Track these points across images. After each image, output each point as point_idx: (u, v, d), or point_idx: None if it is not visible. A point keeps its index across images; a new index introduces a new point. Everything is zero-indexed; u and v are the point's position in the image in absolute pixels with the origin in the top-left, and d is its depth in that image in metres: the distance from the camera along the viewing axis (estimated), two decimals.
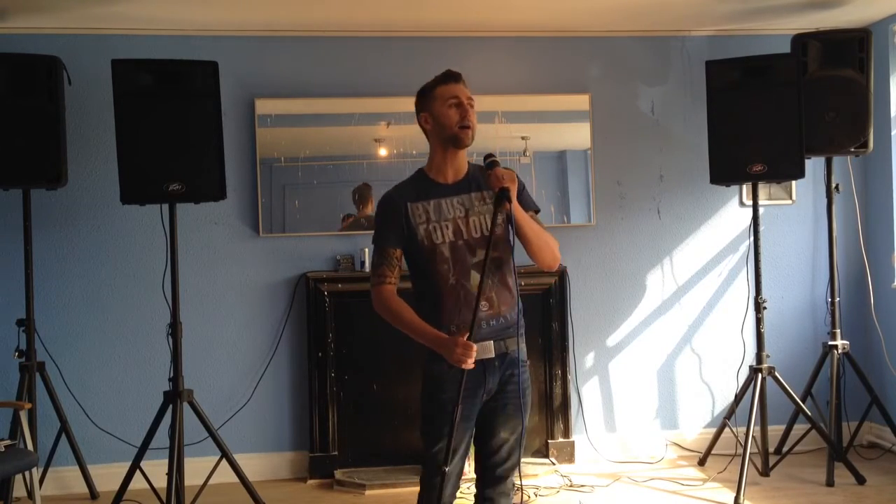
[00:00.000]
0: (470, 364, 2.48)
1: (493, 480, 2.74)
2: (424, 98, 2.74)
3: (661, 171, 5.09)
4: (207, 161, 4.02)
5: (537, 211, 2.78)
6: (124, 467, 4.06)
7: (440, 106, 2.68)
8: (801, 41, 4.50)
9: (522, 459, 4.94)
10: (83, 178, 4.62)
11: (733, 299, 5.08)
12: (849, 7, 4.62)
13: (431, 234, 2.64)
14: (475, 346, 2.48)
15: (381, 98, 4.79)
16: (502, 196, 2.53)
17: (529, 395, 2.75)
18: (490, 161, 2.65)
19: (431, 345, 2.58)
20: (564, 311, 4.88)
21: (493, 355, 2.64)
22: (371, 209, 4.81)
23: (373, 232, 2.75)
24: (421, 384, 2.71)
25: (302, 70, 4.82)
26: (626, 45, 5.07)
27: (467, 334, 2.49)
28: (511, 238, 2.60)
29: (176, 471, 3.93)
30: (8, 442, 3.61)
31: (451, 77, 2.73)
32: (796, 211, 5.17)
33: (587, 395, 5.01)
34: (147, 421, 4.11)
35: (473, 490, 2.82)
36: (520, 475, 2.79)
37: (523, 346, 2.73)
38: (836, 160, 4.69)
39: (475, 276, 2.61)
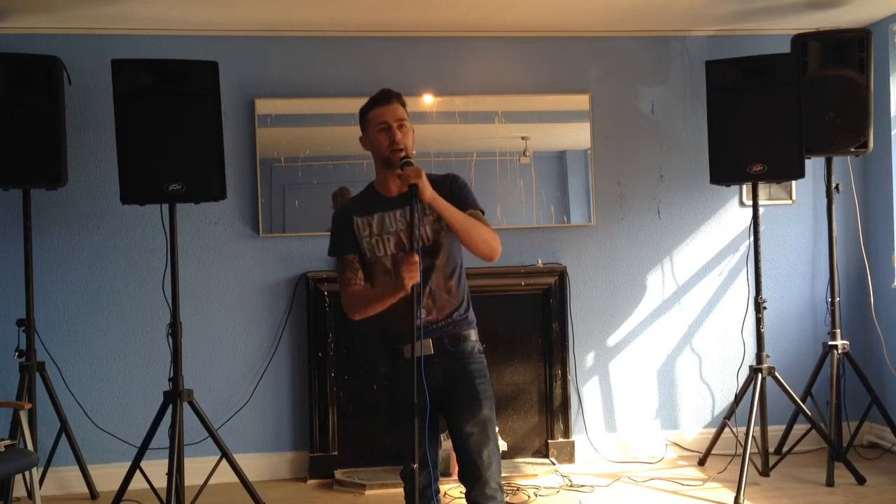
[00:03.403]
0: (416, 276, 2.55)
1: (473, 481, 2.74)
2: (361, 121, 2.85)
3: (661, 171, 5.09)
4: (207, 161, 4.01)
5: (483, 211, 2.81)
6: (124, 467, 4.06)
7: (372, 131, 2.78)
8: (801, 41, 4.50)
9: (522, 459, 4.97)
10: (83, 178, 4.62)
11: (733, 299, 5.08)
12: (849, 7, 4.62)
13: (374, 247, 2.78)
14: (415, 256, 2.56)
15: None
16: (412, 192, 2.59)
17: (484, 383, 2.78)
18: (403, 162, 2.69)
19: (394, 293, 2.65)
20: (564, 311, 4.88)
21: (432, 352, 2.73)
22: None
23: (328, 244, 2.87)
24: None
25: (302, 70, 4.82)
26: (626, 45, 5.07)
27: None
28: (446, 242, 2.74)
29: (176, 471, 3.93)
30: (8, 442, 3.61)
31: (382, 99, 2.80)
32: (796, 211, 5.17)
33: (587, 395, 5.01)
34: (147, 421, 4.11)
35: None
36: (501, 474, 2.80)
37: (471, 340, 2.81)
38: (836, 160, 4.69)
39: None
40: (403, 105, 2.80)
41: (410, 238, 2.62)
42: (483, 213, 2.82)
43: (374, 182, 2.88)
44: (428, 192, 2.61)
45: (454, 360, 2.77)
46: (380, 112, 2.76)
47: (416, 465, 2.59)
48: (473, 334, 2.83)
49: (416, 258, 2.57)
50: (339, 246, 2.84)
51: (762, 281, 4.50)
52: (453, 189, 2.78)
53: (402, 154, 2.71)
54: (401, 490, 2.84)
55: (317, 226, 4.81)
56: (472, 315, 2.85)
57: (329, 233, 2.90)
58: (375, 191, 2.86)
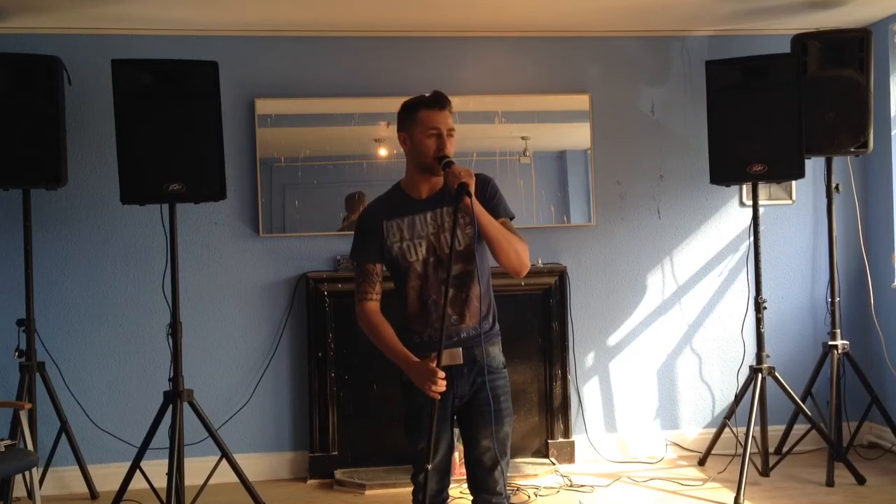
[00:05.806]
0: (436, 393, 2.51)
1: (483, 491, 2.73)
2: (406, 117, 2.71)
3: (661, 171, 5.09)
4: (207, 161, 4.02)
5: (511, 217, 2.75)
6: (124, 467, 4.06)
7: (419, 133, 2.65)
8: (801, 41, 4.50)
9: (522, 459, 4.98)
10: (83, 178, 4.62)
11: (733, 299, 5.08)
12: (849, 7, 4.62)
13: (406, 252, 2.68)
14: (441, 374, 2.50)
15: (381, 98, 4.79)
16: (461, 191, 2.51)
17: (507, 401, 2.73)
18: (445, 162, 2.62)
19: (402, 367, 2.63)
20: (564, 311, 4.88)
21: (461, 362, 2.65)
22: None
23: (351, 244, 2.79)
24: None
25: (302, 70, 4.82)
26: (626, 45, 5.07)
27: (436, 361, 2.52)
28: (478, 248, 2.63)
29: (176, 471, 3.93)
30: (8, 442, 3.61)
31: (436, 103, 2.67)
32: (796, 211, 5.17)
33: (587, 395, 5.01)
34: (147, 421, 4.11)
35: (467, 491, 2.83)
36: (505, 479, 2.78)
37: (497, 354, 2.75)
38: (836, 160, 4.69)
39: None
40: (452, 113, 2.69)
41: (452, 237, 2.54)
42: (512, 218, 2.75)
43: (402, 183, 2.76)
44: (474, 197, 2.52)
45: (482, 374, 2.67)
46: (433, 116, 2.64)
47: (430, 466, 2.55)
48: (500, 345, 2.77)
49: (440, 373, 2.50)
50: (361, 251, 2.73)
51: (762, 281, 4.50)
52: (486, 193, 2.67)
53: (446, 157, 2.62)
54: (400, 490, 2.84)
55: (317, 226, 4.81)
56: (497, 325, 2.77)
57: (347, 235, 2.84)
58: (403, 192, 2.74)
